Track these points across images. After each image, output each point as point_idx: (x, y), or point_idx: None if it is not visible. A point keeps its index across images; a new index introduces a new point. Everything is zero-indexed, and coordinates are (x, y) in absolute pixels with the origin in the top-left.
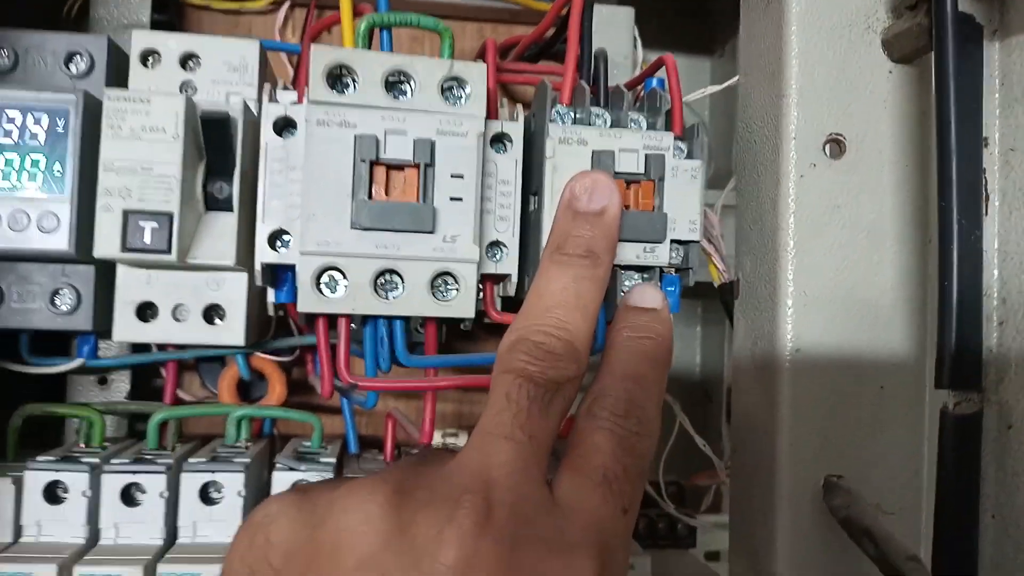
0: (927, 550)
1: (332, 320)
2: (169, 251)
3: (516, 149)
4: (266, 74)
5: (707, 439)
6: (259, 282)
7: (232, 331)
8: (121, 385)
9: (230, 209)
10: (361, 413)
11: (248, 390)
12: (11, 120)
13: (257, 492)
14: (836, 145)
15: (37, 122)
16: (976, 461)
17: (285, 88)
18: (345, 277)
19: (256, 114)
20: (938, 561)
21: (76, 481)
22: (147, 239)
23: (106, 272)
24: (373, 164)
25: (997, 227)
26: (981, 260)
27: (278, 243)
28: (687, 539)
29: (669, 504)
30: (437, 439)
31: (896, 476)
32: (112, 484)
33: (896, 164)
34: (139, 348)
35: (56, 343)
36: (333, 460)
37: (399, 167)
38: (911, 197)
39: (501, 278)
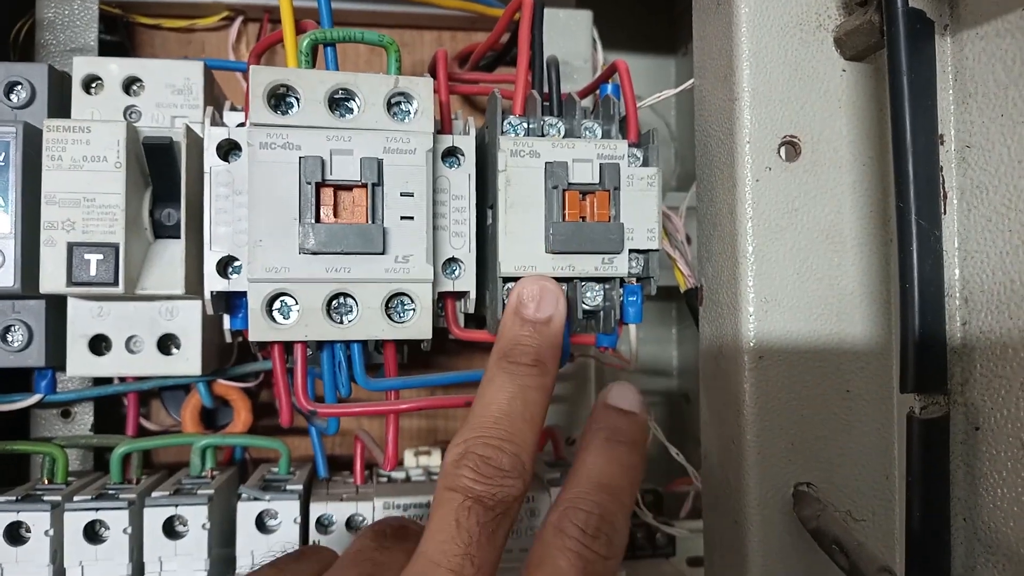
0: (900, 554)
1: (289, 345)
2: (116, 283)
3: (469, 163)
4: (214, 94)
5: (686, 441)
6: (210, 311)
7: (188, 361)
8: (85, 417)
9: (178, 236)
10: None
11: (214, 417)
12: None
13: (224, 522)
14: (791, 147)
15: None
16: (945, 465)
17: (234, 109)
18: (297, 302)
19: (201, 137)
20: (910, 566)
21: (38, 520)
22: (93, 272)
23: (57, 305)
24: (320, 186)
25: (957, 225)
26: (941, 261)
27: (229, 270)
28: (667, 548)
29: (647, 513)
30: (409, 458)
31: (866, 480)
32: (75, 522)
33: (853, 164)
34: (100, 379)
35: (15, 378)
36: (300, 487)
37: (347, 187)
38: (870, 196)
39: (460, 295)
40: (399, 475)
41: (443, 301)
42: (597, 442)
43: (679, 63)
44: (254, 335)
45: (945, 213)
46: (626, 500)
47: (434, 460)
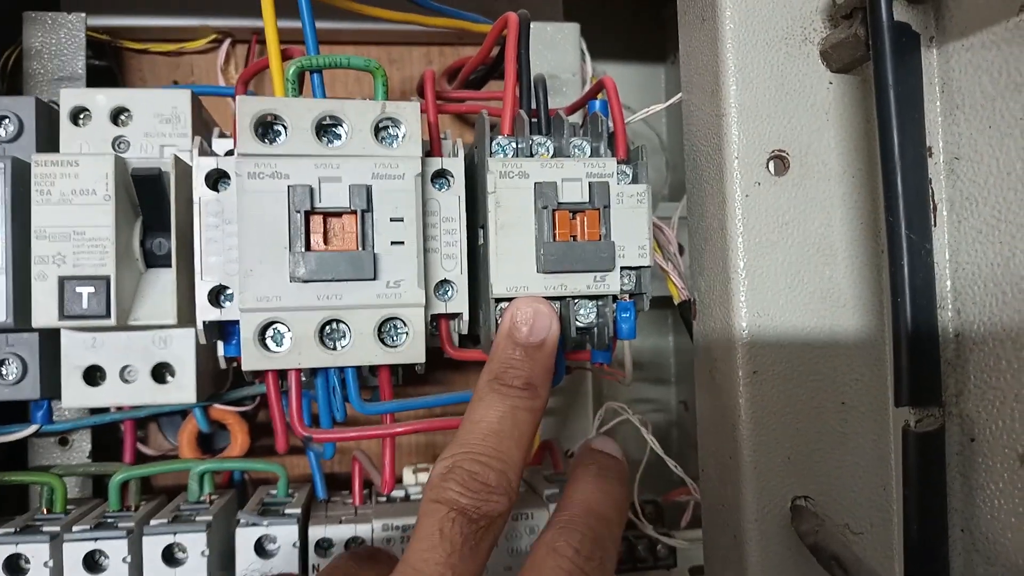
0: (899, 566)
1: (284, 371)
2: (108, 315)
3: (458, 185)
4: (203, 119)
5: (686, 447)
6: (202, 340)
7: (183, 389)
8: (82, 444)
9: (169, 266)
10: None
11: (211, 441)
12: None
13: (223, 547)
14: (780, 161)
15: None
16: (941, 477)
17: (222, 136)
18: (290, 330)
19: (190, 165)
20: (908, 564)
21: (37, 552)
22: (85, 305)
23: (50, 337)
24: (309, 214)
25: (947, 237)
26: (933, 273)
27: (221, 298)
28: (668, 559)
29: (647, 525)
30: (407, 475)
31: (863, 492)
32: (74, 552)
33: (843, 176)
34: (96, 408)
35: (13, 409)
36: (298, 511)
37: (337, 214)
38: (860, 208)
39: (453, 316)
40: (398, 493)
41: (437, 321)
42: (589, 475)
43: (668, 71)
44: (247, 364)
45: (936, 225)
46: (616, 532)
47: None
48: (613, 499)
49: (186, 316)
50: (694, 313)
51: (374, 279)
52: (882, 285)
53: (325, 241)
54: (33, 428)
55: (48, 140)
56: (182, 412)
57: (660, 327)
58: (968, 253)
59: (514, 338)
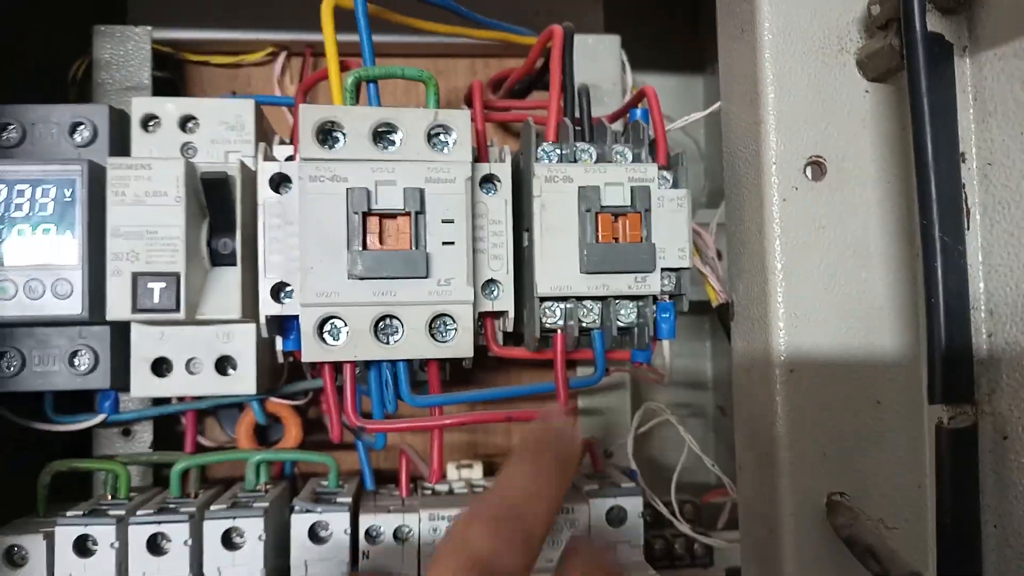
0: (933, 560)
1: (339, 364)
2: (178, 309)
3: (505, 189)
4: (263, 128)
5: (722, 451)
6: (265, 334)
7: (244, 381)
8: (144, 435)
9: (234, 264)
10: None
11: (266, 433)
12: (21, 194)
13: (278, 534)
14: (817, 167)
15: (46, 194)
16: (974, 473)
17: (282, 143)
18: (346, 324)
19: (254, 170)
20: (942, 572)
21: (104, 534)
22: (156, 299)
23: (121, 331)
24: (366, 215)
25: (980, 240)
26: (966, 274)
27: (282, 295)
28: (704, 558)
29: (684, 524)
30: (451, 471)
31: (898, 489)
32: (138, 535)
33: (878, 181)
34: (159, 399)
35: (79, 399)
36: (349, 500)
37: (391, 216)
38: (895, 213)
39: (499, 315)
40: (442, 488)
41: (482, 320)
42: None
43: (707, 81)
44: (307, 356)
45: (968, 228)
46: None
47: (475, 473)
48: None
49: (249, 311)
50: (732, 315)
51: (426, 277)
52: (917, 288)
53: (381, 241)
54: (100, 417)
55: (120, 146)
56: (239, 406)
57: (697, 333)
58: (1001, 255)
59: (547, 420)
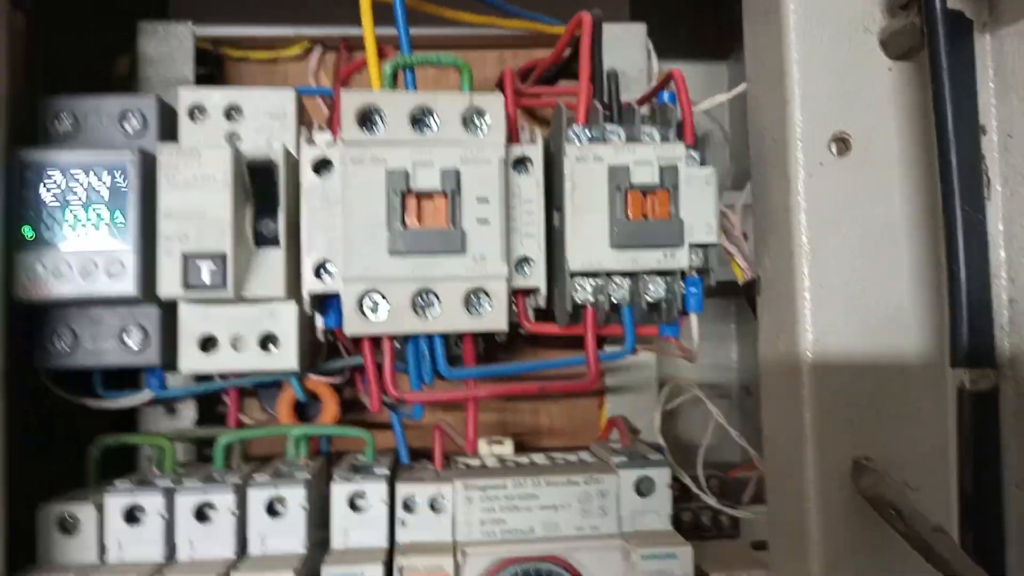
0: (956, 523)
1: (377, 340)
2: (225, 286)
3: (537, 170)
4: (303, 117)
5: (747, 431)
6: (308, 311)
7: (286, 357)
8: (187, 413)
9: (278, 244)
10: (410, 427)
11: (304, 411)
12: (76, 179)
13: (317, 507)
14: (842, 143)
15: (99, 179)
16: (996, 436)
17: (320, 129)
18: (386, 300)
19: (296, 156)
20: (964, 533)
21: (152, 503)
22: (205, 278)
23: (169, 310)
24: (404, 195)
25: (1001, 210)
26: (987, 243)
27: (323, 273)
28: (731, 530)
29: (711, 496)
30: (483, 446)
31: (922, 454)
32: (186, 504)
33: (903, 158)
34: (201, 378)
35: (126, 379)
36: (387, 471)
37: (429, 196)
38: (920, 187)
39: (531, 291)
40: (475, 462)
41: (515, 298)
42: None
43: (731, 68)
44: (348, 330)
45: (989, 199)
46: None
47: (507, 449)
48: None
49: (292, 290)
50: (758, 290)
51: (462, 253)
52: (940, 261)
53: (419, 219)
54: (148, 394)
55: (168, 135)
56: (278, 384)
57: (723, 316)
58: (1021, 224)
59: None
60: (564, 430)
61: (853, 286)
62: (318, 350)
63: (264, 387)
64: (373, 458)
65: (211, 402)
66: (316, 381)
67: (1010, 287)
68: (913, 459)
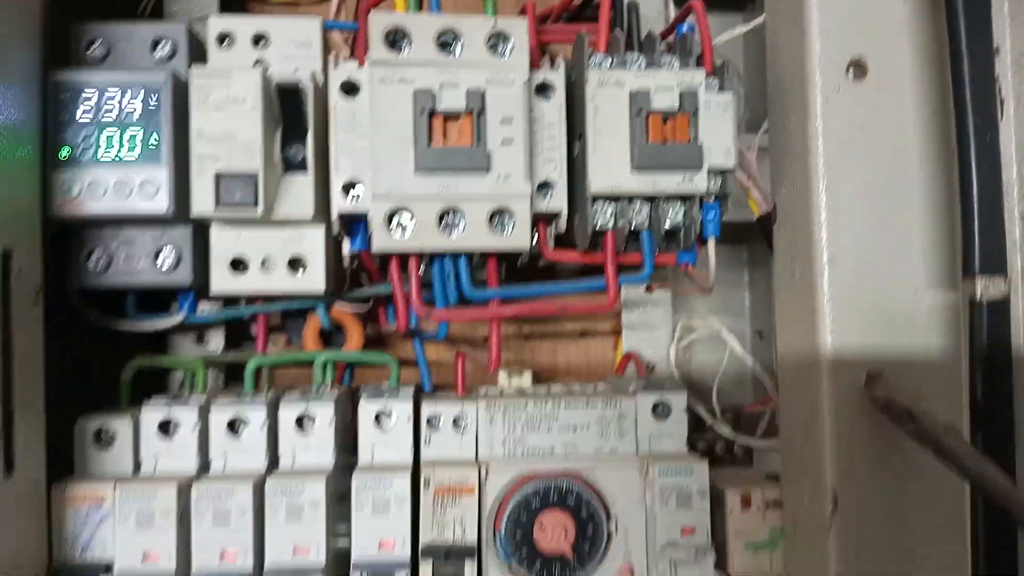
0: (968, 431)
1: (404, 261)
2: (256, 205)
3: (559, 95)
4: (328, 50)
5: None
6: (335, 230)
7: (313, 279)
8: (216, 342)
9: (305, 170)
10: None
11: (329, 342)
12: (111, 99)
13: (344, 427)
14: (859, 68)
15: (133, 100)
16: (1007, 344)
17: (345, 60)
18: (412, 218)
19: (322, 84)
20: (974, 438)
21: (187, 417)
22: (237, 196)
23: (201, 232)
24: (431, 114)
25: (1014, 129)
26: (999, 160)
27: (351, 194)
28: (744, 459)
29: (725, 426)
30: (503, 378)
31: (934, 368)
32: (219, 418)
33: (919, 82)
34: (230, 302)
35: (158, 305)
36: (411, 390)
37: (454, 116)
38: (935, 113)
39: (553, 216)
40: (495, 392)
41: (536, 226)
42: None
43: (747, 18)
44: (377, 246)
45: (1002, 118)
46: None
47: (525, 380)
48: None
49: (320, 212)
50: (775, 218)
51: (486, 172)
52: (954, 184)
53: (445, 138)
54: (180, 317)
55: (197, 62)
56: (304, 315)
57: (736, 263)
58: None
59: None
60: (580, 369)
61: (867, 205)
62: (343, 280)
63: (291, 319)
64: (397, 382)
65: (239, 332)
66: (341, 310)
67: (1022, 203)
68: (926, 374)
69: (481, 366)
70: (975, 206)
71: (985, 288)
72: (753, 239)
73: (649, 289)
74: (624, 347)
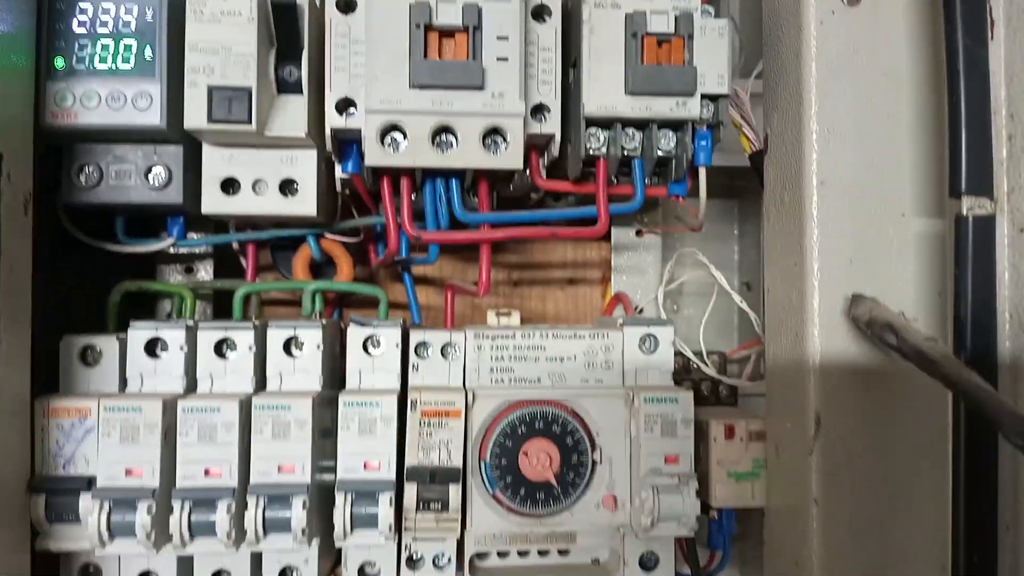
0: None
1: (396, 183)
2: (250, 121)
3: (555, 19)
4: None
5: (747, 327)
6: (329, 147)
7: (305, 202)
8: (204, 273)
9: (299, 91)
10: (420, 309)
11: (320, 273)
12: (106, 11)
13: (332, 361)
14: None
15: (128, 11)
16: (991, 262)
17: None
18: (405, 137)
19: (319, 3)
20: (958, 348)
21: (174, 338)
22: (230, 112)
23: (192, 152)
24: (427, 29)
25: (1004, 51)
26: (987, 80)
27: (346, 112)
28: (729, 399)
29: (711, 367)
30: (491, 317)
31: (919, 292)
32: (206, 339)
33: (911, 8)
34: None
35: (147, 229)
36: (400, 319)
37: (450, 33)
38: (927, 38)
39: (546, 142)
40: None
41: (529, 154)
42: None
43: None
44: (370, 160)
45: (992, 39)
46: None
47: (514, 320)
48: None
49: (313, 134)
50: (766, 148)
51: (481, 88)
52: (942, 109)
53: (440, 54)
54: (170, 241)
55: None
56: (294, 248)
57: (727, 217)
58: (1023, 64)
59: None
60: (568, 316)
61: (859, 132)
62: (334, 212)
63: (280, 251)
64: (386, 315)
65: (227, 264)
66: (332, 242)
67: (1010, 123)
68: (909, 293)
69: (470, 301)
70: (963, 126)
71: (971, 208)
72: (743, 194)
73: (639, 234)
74: (613, 288)
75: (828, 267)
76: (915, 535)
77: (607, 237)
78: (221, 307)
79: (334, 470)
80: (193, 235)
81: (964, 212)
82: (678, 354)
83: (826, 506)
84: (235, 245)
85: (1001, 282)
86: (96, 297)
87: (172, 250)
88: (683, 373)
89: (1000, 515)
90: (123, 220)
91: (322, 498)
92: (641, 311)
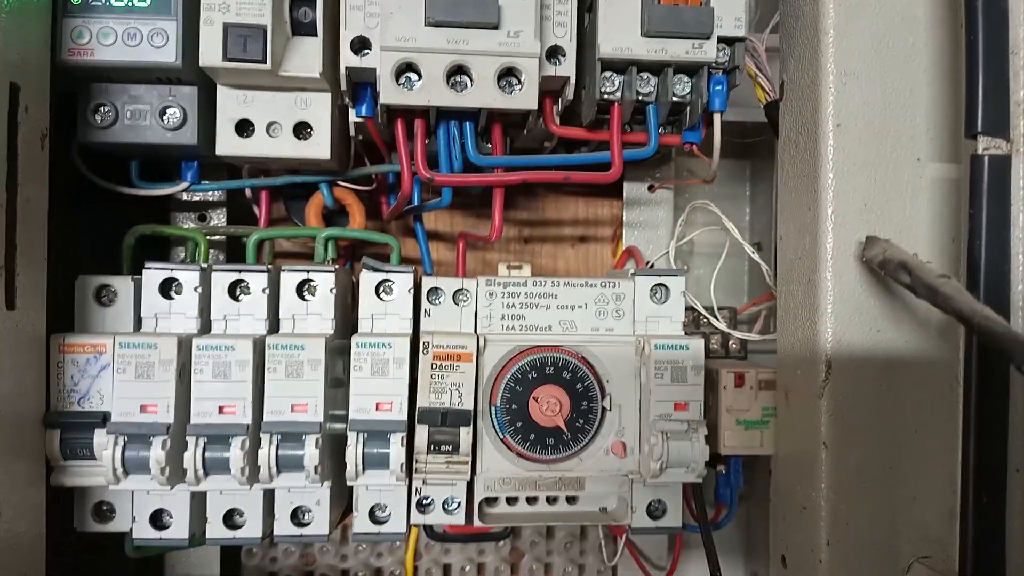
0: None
1: (410, 125)
2: (265, 60)
3: None
4: None
5: (757, 287)
6: (343, 87)
7: (319, 145)
8: (218, 221)
9: (314, 34)
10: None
11: (332, 221)
12: None
13: (344, 309)
14: None
15: None
16: (1005, 205)
17: None
18: (420, 77)
19: None
20: (972, 287)
21: (189, 279)
22: (245, 50)
23: (207, 93)
24: None
25: None
26: (1007, 15)
27: (361, 52)
28: (739, 353)
29: (721, 322)
30: (503, 270)
31: (932, 236)
32: (221, 281)
33: None
34: (234, 175)
35: (162, 174)
36: (412, 267)
37: None
38: None
39: (561, 82)
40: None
41: (543, 101)
42: None
43: None
44: (385, 99)
45: None
46: None
47: (525, 272)
48: None
49: (329, 74)
50: (781, 95)
51: (497, 27)
52: (960, 52)
53: None
54: (183, 185)
55: None
56: (306, 197)
57: (739, 177)
58: None
59: None
60: (579, 274)
61: (875, 74)
62: (347, 159)
63: (293, 200)
64: (399, 262)
65: (241, 212)
66: (344, 190)
67: None
68: (923, 236)
69: (482, 257)
70: (980, 66)
71: (987, 148)
72: (756, 155)
73: (651, 189)
74: (625, 243)
75: (842, 210)
76: (924, 479)
77: (619, 193)
78: (233, 256)
79: (345, 419)
80: (206, 182)
81: (980, 152)
82: (689, 309)
83: (835, 450)
84: (248, 192)
85: (1016, 223)
86: (109, 242)
87: (186, 196)
88: (693, 327)
89: (1010, 457)
90: (137, 164)
91: (334, 446)
92: (652, 266)
